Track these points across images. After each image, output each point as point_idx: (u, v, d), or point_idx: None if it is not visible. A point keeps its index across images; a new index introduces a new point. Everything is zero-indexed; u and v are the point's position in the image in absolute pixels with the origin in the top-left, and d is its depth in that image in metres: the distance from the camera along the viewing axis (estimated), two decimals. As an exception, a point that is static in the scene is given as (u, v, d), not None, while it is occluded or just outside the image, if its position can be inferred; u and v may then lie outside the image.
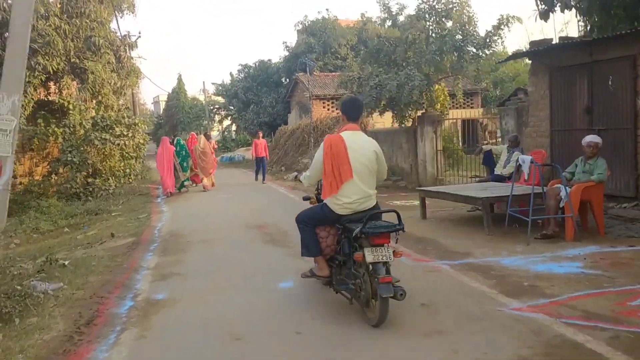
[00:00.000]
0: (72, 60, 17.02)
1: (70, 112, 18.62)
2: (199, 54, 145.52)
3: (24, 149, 20.45)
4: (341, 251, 4.89)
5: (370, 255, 4.30)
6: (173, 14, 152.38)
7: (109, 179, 18.54)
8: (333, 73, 30.36)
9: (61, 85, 20.07)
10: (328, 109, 26.83)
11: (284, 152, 23.35)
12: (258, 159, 19.34)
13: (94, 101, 22.74)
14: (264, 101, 34.75)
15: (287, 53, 35.81)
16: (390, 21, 16.31)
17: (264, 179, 19.06)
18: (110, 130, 18.81)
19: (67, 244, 10.66)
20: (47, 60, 15.03)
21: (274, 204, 13.31)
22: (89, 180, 17.83)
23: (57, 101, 19.69)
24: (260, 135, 20.41)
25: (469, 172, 16.07)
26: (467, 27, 15.39)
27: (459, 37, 15.50)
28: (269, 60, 37.47)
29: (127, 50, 19.31)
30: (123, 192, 17.78)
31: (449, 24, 16.06)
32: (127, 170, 20.60)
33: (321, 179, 5.07)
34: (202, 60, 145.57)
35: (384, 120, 21.75)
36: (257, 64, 37.20)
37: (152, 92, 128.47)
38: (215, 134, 60.21)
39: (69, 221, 13.75)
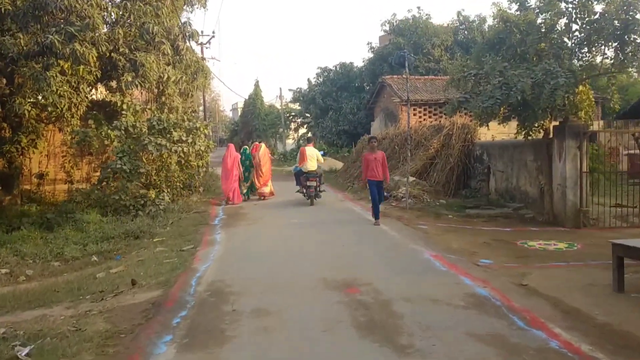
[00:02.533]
0: (121, 49, 14.27)
1: (123, 112, 15.96)
2: (277, 59, 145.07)
3: (82, 152, 18.22)
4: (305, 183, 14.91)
5: (308, 182, 15.02)
6: (251, 16, 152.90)
7: (163, 191, 15.74)
8: (425, 77, 26.59)
9: (122, 83, 17.54)
10: (420, 117, 23.08)
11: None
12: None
13: (156, 103, 20.45)
14: (344, 107, 31.34)
15: (371, 55, 32.33)
16: (517, 3, 12.40)
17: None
18: (168, 135, 16.04)
19: (80, 287, 7.74)
20: (86, 47, 12.27)
21: (364, 241, 9.72)
22: (142, 192, 15.08)
23: (109, 100, 17.20)
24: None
25: (612, 199, 11.92)
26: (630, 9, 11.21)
27: (617, 22, 11.35)
28: (351, 63, 34.15)
29: (187, 40, 16.39)
30: (178, 207, 14.86)
31: (600, 6, 11.91)
32: (187, 182, 17.81)
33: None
34: (280, 66, 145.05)
35: (487, 132, 17.80)
36: (337, 67, 33.92)
37: (231, 100, 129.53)
38: (290, 142, 57.79)
39: (101, 246, 10.89)
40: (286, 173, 32.52)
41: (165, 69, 15.02)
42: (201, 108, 33.96)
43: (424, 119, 22.84)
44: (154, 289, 6.93)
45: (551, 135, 12.14)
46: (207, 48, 31.27)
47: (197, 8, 21.78)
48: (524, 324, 5.00)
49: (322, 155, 16.93)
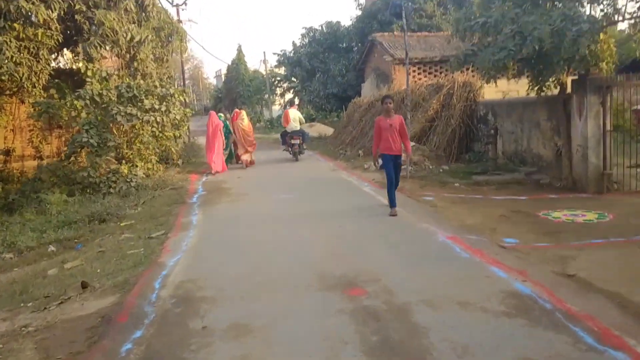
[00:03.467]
0: (77, 6, 12.53)
1: (88, 80, 14.29)
2: (260, 21, 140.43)
3: (51, 126, 16.59)
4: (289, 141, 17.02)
5: (292, 140, 17.12)
6: None
7: (136, 166, 14.28)
8: (418, 33, 24.88)
9: (88, 48, 15.80)
10: (414, 76, 21.51)
11: (359, 131, 18.34)
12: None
13: (128, 70, 18.78)
14: (332, 69, 29.56)
15: (359, 13, 30.45)
16: None
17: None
18: (139, 104, 14.47)
19: (24, 289, 6.47)
20: (33, 4, 10.56)
21: (363, 220, 8.30)
22: (113, 167, 13.60)
23: (74, 67, 15.53)
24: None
25: (628, 160, 10.54)
26: None
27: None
28: (338, 22, 32.16)
29: None
30: (152, 183, 13.39)
31: None
32: (163, 155, 16.29)
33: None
34: (263, 29, 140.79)
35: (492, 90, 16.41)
36: (323, 27, 31.97)
37: (215, 66, 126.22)
38: (276, 108, 56.01)
39: (62, 233, 9.47)
40: (273, 141, 30.98)
41: (130, 28, 13.30)
42: (181, 75, 32.06)
43: (419, 79, 21.29)
44: (108, 294, 5.55)
45: (569, 91, 10.76)
46: (183, 10, 29.11)
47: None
48: (594, 339, 3.68)
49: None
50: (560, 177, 10.98)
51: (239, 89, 54.93)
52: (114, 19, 12.34)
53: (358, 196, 10.50)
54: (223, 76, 67.19)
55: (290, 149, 17.41)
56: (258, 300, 4.90)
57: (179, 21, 27.92)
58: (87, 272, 6.64)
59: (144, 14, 14.03)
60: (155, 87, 15.25)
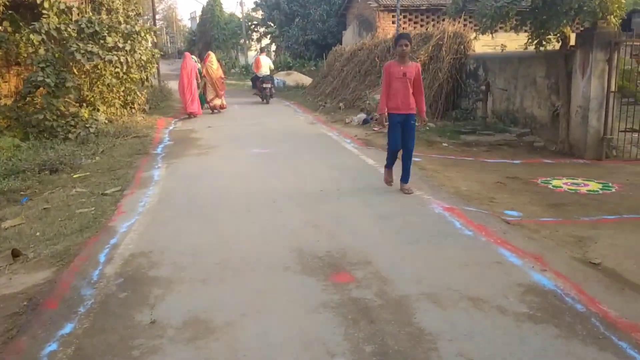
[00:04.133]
0: None
1: (45, 12, 12.83)
2: None
3: (8, 62, 15.09)
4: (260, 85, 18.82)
5: (263, 84, 18.65)
6: None
7: (98, 110, 13.11)
8: (404, -21, 23.48)
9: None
10: (401, 25, 20.32)
11: (340, 81, 17.25)
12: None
13: (92, 4, 17.28)
14: (312, 14, 28.03)
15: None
16: None
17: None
18: (101, 41, 13.14)
19: None
20: None
21: (347, 184, 7.35)
22: (72, 110, 12.41)
23: (29, -2, 13.93)
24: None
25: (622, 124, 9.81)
26: None
27: None
28: (320, -38, 30.40)
29: None
30: (114, 130, 12.26)
31: None
32: (128, 98, 15.01)
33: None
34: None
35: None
36: (305, -33, 30.24)
37: (190, 8, 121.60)
38: (252, 54, 54.01)
39: (7, 184, 8.38)
40: (248, 88, 29.65)
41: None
42: (152, 14, 30.07)
43: (406, 28, 20.15)
44: (43, 267, 4.61)
45: (571, 46, 9.87)
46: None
47: None
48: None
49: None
50: (555, 140, 10.23)
51: (214, 32, 52.64)
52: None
53: (340, 154, 9.57)
54: (198, 18, 64.36)
55: (261, 93, 19.14)
56: (223, 285, 4.02)
57: (150, -47, 25.98)
58: (24, 235, 5.68)
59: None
60: (120, 23, 13.84)
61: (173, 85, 26.66)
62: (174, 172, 8.29)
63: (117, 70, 13.61)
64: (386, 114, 6.77)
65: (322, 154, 9.54)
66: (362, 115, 12.82)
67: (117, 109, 14.14)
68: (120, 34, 13.56)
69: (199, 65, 16.57)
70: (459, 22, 14.44)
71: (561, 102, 10.01)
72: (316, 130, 12.56)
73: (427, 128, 11.95)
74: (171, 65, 47.69)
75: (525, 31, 10.69)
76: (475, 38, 11.09)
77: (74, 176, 8.46)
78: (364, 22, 21.86)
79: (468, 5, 9.59)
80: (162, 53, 21.92)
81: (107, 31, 13.39)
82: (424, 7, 20.11)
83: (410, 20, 20.60)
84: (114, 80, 13.51)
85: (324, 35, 27.66)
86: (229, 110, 17.11)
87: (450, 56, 13.77)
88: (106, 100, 13.86)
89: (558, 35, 9.80)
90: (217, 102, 16.42)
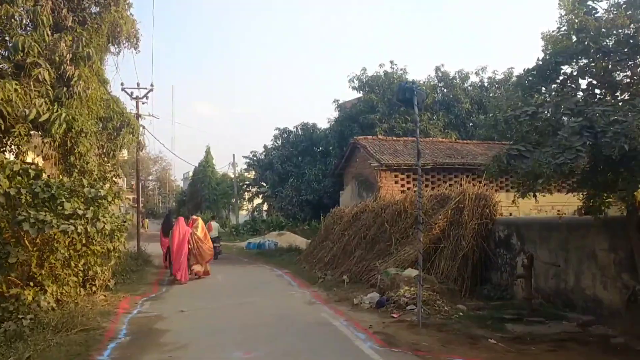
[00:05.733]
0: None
1: (-7, 174, 10.78)
2: (231, 123, 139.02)
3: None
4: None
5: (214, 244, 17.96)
6: (205, 81, 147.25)
7: (46, 290, 10.51)
8: (404, 138, 22.44)
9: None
10: (402, 184, 18.62)
11: (342, 248, 14.94)
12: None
13: (63, 164, 15.49)
14: (307, 174, 26.69)
15: (337, 115, 28.20)
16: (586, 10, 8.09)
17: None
18: (59, 208, 10.94)
19: None
20: None
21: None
22: (14, 291, 9.88)
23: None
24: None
25: None
26: None
27: None
28: (314, 124, 29.89)
29: (83, 63, 11.37)
30: (58, 319, 9.49)
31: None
32: (88, 273, 12.44)
33: None
34: (235, 131, 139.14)
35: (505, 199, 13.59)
36: (298, 128, 29.60)
37: (184, 169, 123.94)
38: (244, 213, 52.75)
39: None
40: (237, 251, 27.29)
41: (38, 104, 10.02)
42: (144, 173, 28.69)
43: (410, 188, 18.40)
44: None
45: (645, 211, 7.72)
46: (143, 103, 26.39)
47: (126, 48, 17.28)
48: None
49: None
50: (636, 332, 7.64)
51: (204, 192, 51.85)
52: (12, 90, 9.00)
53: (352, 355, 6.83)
54: (191, 178, 64.37)
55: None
56: None
57: (138, 115, 25.17)
58: None
59: (65, 88, 10.80)
60: (83, 186, 11.76)
61: (154, 247, 24.43)
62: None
63: (74, 241, 11.24)
64: None
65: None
66: (375, 295, 10.26)
67: (71, 288, 11.49)
68: (82, 199, 11.42)
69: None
70: (476, 182, 12.59)
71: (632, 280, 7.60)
72: (317, 315, 9.86)
73: (461, 314, 9.35)
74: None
75: (575, 192, 8.63)
76: (513, 202, 8.94)
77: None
78: (364, 182, 20.21)
79: (514, 162, 7.51)
80: (128, 218, 19.82)
81: (66, 196, 11.28)
82: (429, 167, 18.56)
83: (414, 179, 18.94)
84: (70, 254, 11.07)
85: (320, 195, 26.05)
86: (213, 281, 14.65)
87: (474, 221, 11.64)
88: (59, 277, 11.28)
89: (627, 199, 7.68)
90: (198, 268, 15.32)
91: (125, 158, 35.24)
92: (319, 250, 17.18)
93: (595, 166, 7.17)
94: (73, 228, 10.79)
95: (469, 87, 27.12)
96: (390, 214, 13.17)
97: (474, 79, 27.97)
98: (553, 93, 7.67)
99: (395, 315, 9.18)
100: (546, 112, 7.51)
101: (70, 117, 15.02)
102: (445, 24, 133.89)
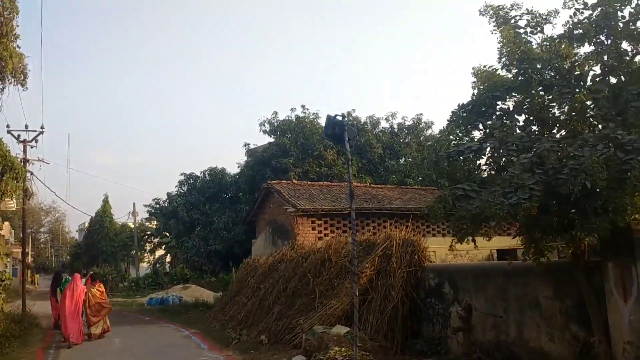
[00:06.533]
0: None
1: None
2: (131, 169, 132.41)
3: None
4: None
5: None
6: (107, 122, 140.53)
7: None
8: (319, 182, 21.65)
9: None
10: (320, 231, 17.65)
11: (258, 303, 13.50)
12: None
13: None
14: (215, 222, 25.05)
15: (246, 160, 27.03)
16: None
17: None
18: None
19: None
20: None
21: None
22: None
23: None
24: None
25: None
26: None
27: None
28: (223, 169, 28.45)
29: None
30: None
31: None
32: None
33: None
34: (135, 181, 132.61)
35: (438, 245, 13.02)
36: (206, 174, 28.02)
37: (79, 220, 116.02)
38: (145, 265, 49.38)
39: None
40: (137, 308, 24.79)
41: None
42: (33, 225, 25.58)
43: (327, 234, 17.46)
44: None
45: (608, 257, 7.12)
46: (32, 147, 23.93)
47: (12, 84, 15.34)
48: None
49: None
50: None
51: (102, 244, 48.03)
52: None
53: None
54: (86, 230, 59.80)
55: None
56: None
57: (26, 160, 22.60)
58: None
59: None
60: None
61: (44, 307, 21.53)
62: None
63: None
64: None
65: None
66: (301, 359, 8.97)
67: None
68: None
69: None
70: (404, 226, 11.88)
71: (597, 335, 6.97)
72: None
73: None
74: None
75: (518, 236, 8.05)
76: (451, 248, 8.17)
77: None
78: (279, 229, 19.02)
79: (460, 204, 6.73)
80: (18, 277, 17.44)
81: None
82: (346, 212, 17.79)
83: (331, 225, 18.06)
84: None
85: (230, 245, 24.43)
86: (109, 346, 12.81)
87: (402, 269, 10.80)
88: None
89: (569, 242, 7.12)
90: (96, 330, 14.10)
91: (14, 208, 31.74)
92: (231, 305, 15.60)
93: (546, 206, 6.53)
94: None
95: (380, 133, 27.16)
96: (312, 263, 12.05)
97: (384, 124, 28.14)
98: (495, 130, 7.02)
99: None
100: (490, 147, 6.88)
101: None
102: (355, 71, 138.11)
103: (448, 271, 10.43)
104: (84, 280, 15.47)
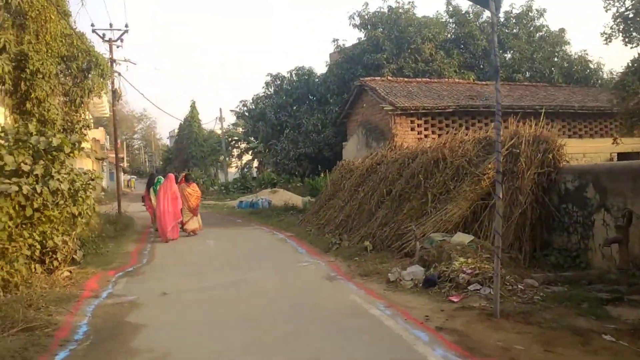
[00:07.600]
0: None
1: None
2: (219, 73, 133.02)
3: None
4: None
5: None
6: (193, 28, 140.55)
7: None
8: (417, 79, 19.74)
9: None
10: (420, 132, 16.07)
11: (357, 206, 12.47)
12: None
13: (17, 112, 13.11)
14: (304, 124, 23.95)
15: (337, 57, 25.27)
16: None
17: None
18: (-2, 162, 8.36)
19: None
20: None
21: None
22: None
23: None
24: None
25: None
26: None
27: None
28: (311, 68, 26.87)
29: None
30: (1, 309, 6.99)
31: None
32: (47, 244, 9.85)
33: None
34: (222, 84, 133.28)
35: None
36: (293, 74, 26.63)
37: (170, 126, 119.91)
38: (233, 171, 50.15)
39: None
40: (228, 211, 24.82)
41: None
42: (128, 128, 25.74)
43: (428, 135, 15.87)
44: None
45: None
46: (117, 47, 23.38)
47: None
48: None
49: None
50: None
51: (191, 149, 48.95)
52: None
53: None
54: (176, 136, 61.37)
55: None
56: None
57: (112, 60, 22.15)
58: None
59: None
60: (30, 134, 9.07)
61: (138, 208, 21.92)
62: None
63: (21, 205, 8.64)
64: None
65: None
66: (418, 270, 7.81)
67: (22, 265, 8.94)
68: (28, 151, 8.79)
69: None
70: (532, 123, 10.06)
71: None
72: (345, 298, 7.40)
73: (538, 293, 6.95)
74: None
75: None
76: (615, 141, 6.43)
77: None
78: (373, 130, 17.56)
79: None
80: (100, 175, 17.34)
81: (9, 147, 8.68)
82: (451, 110, 16.00)
83: (432, 125, 16.35)
84: (11, 222, 8.47)
85: (320, 148, 23.33)
86: (203, 247, 12.54)
87: (533, 170, 9.16)
88: (5, 253, 8.72)
89: None
90: (193, 225, 14.99)
91: (107, 115, 32.18)
92: (327, 209, 14.68)
93: None
94: (16, 188, 8.26)
95: (484, 24, 24.29)
96: (422, 164, 10.62)
97: (488, 13, 25.01)
98: None
99: (455, 300, 6.75)
100: None
101: (18, 50, 12.31)
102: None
103: (594, 172, 8.66)
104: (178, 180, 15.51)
